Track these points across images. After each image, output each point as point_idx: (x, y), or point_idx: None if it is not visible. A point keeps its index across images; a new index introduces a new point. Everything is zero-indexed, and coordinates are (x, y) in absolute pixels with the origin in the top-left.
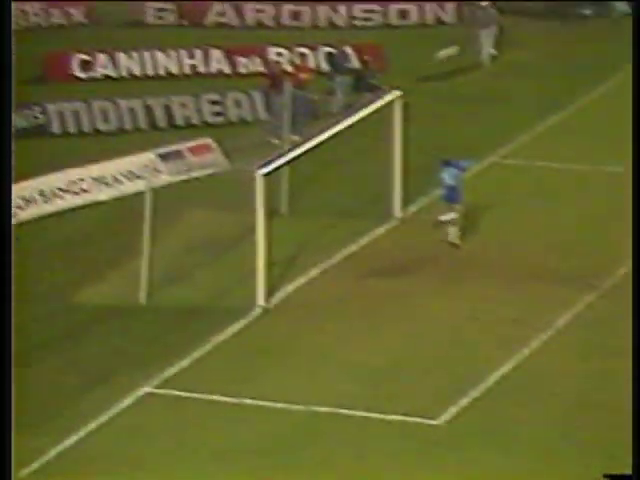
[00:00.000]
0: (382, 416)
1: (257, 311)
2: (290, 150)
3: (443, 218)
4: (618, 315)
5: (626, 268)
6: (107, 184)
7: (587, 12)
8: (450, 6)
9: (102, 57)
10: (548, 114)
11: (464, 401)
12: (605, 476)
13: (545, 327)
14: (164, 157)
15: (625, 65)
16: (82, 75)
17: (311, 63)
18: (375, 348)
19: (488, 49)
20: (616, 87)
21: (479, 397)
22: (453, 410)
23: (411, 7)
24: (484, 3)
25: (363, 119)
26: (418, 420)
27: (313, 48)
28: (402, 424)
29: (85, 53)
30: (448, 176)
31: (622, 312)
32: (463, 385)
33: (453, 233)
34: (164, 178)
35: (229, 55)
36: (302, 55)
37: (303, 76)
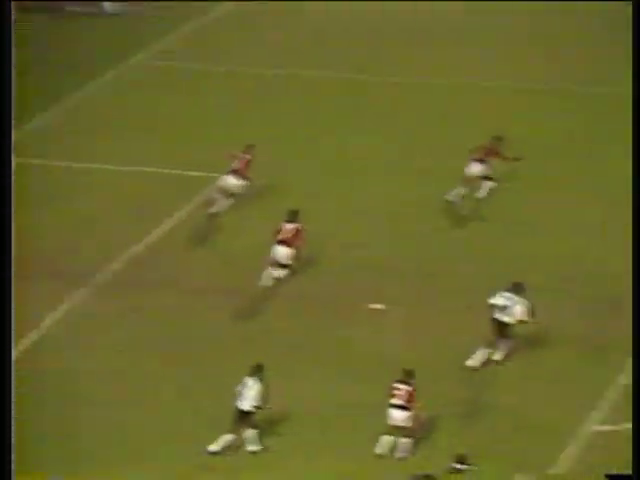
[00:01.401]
0: None
1: None
2: None
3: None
4: (116, 313)
5: (118, 265)
6: None
7: (77, 9)
8: None
9: None
10: (31, 114)
11: None
12: (605, 476)
13: (32, 325)
14: None
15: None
16: None
17: None
18: None
19: None
20: (104, 86)
21: None
22: None
23: None
24: None
25: None
26: None
27: None
28: None
29: None
30: None
31: (113, 310)
32: None
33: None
34: None
35: None
36: None
37: None
